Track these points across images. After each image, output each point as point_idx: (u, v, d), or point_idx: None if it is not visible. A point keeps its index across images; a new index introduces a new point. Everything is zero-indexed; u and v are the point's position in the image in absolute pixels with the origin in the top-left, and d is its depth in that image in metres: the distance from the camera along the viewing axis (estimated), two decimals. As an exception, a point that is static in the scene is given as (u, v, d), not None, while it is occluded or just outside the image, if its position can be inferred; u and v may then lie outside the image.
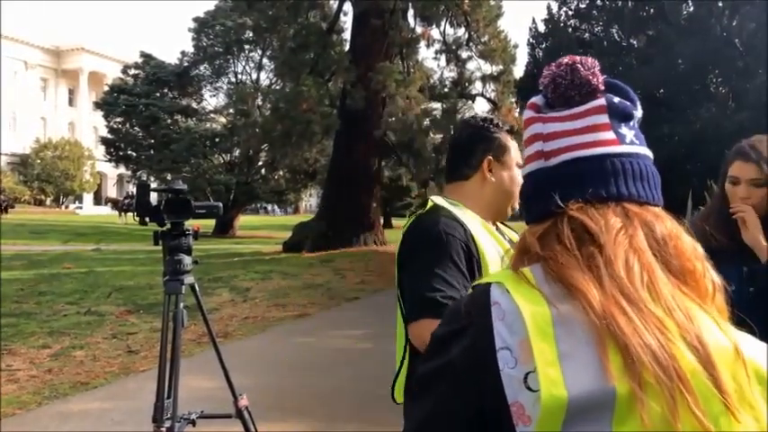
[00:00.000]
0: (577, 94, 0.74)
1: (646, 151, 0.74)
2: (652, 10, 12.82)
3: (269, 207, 55.58)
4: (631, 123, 0.74)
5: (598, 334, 0.59)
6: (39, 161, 43.06)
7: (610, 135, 0.72)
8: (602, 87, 0.74)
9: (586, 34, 14.08)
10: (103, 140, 31.63)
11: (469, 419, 0.64)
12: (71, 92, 54.03)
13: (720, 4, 11.95)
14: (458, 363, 0.66)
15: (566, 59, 0.75)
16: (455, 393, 0.66)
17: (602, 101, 0.73)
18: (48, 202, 44.52)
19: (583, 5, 14.32)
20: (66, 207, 45.61)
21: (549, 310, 0.62)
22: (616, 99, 0.74)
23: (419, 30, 19.80)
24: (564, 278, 0.64)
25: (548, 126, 0.74)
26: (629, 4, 13.35)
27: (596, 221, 0.68)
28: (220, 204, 2.90)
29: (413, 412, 0.72)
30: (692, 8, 12.50)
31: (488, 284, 0.69)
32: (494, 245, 1.51)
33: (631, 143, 0.73)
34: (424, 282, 1.40)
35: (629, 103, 0.74)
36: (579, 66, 0.74)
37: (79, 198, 48.63)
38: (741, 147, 1.86)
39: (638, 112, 0.75)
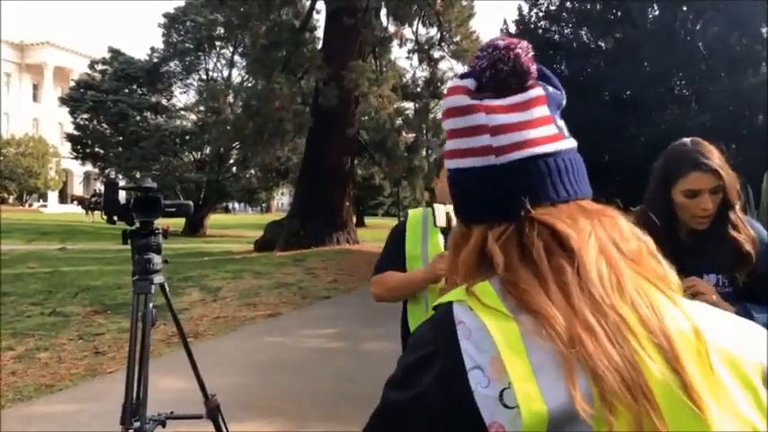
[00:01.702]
0: (516, 82, 0.70)
1: (573, 140, 0.73)
2: (619, 13, 13.07)
3: (234, 205, 54.81)
4: (559, 113, 0.72)
5: (566, 360, 0.58)
6: (1, 158, 41.81)
7: (553, 129, 0.70)
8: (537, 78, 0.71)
9: (556, 36, 14.27)
10: (69, 137, 30.93)
11: None
12: (35, 87, 52.58)
13: (685, 9, 12.26)
14: (430, 393, 0.62)
15: (501, 42, 0.70)
16: (430, 426, 0.62)
17: (541, 90, 0.70)
18: (11, 200, 43.28)
19: (553, 7, 14.52)
20: (30, 205, 44.41)
21: (516, 324, 0.61)
22: (549, 88, 0.71)
23: (392, 29, 19.85)
24: (526, 303, 0.62)
25: (493, 117, 0.68)
26: (597, 6, 13.59)
27: (568, 223, 0.66)
28: (191, 203, 2.87)
29: None
30: (657, 12, 12.78)
31: (449, 304, 0.66)
32: (420, 239, 2.17)
33: (568, 136, 0.71)
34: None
35: (559, 92, 0.72)
36: (520, 51, 0.69)
37: (43, 196, 47.41)
38: (694, 158, 1.78)
39: (564, 96, 0.73)
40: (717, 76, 11.41)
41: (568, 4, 14.17)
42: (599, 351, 0.58)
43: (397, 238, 2.22)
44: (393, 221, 32.70)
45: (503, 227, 0.68)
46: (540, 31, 14.38)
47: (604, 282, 0.62)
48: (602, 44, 13.75)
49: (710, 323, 0.63)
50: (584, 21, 13.79)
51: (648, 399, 0.56)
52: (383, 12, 18.98)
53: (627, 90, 12.47)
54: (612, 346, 0.58)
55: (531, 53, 0.71)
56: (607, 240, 0.66)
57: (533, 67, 0.70)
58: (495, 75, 0.69)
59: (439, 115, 25.03)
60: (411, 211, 2.28)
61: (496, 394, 0.58)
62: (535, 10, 14.69)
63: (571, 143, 0.71)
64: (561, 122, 0.72)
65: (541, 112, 0.70)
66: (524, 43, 0.71)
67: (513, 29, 14.81)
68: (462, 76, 0.73)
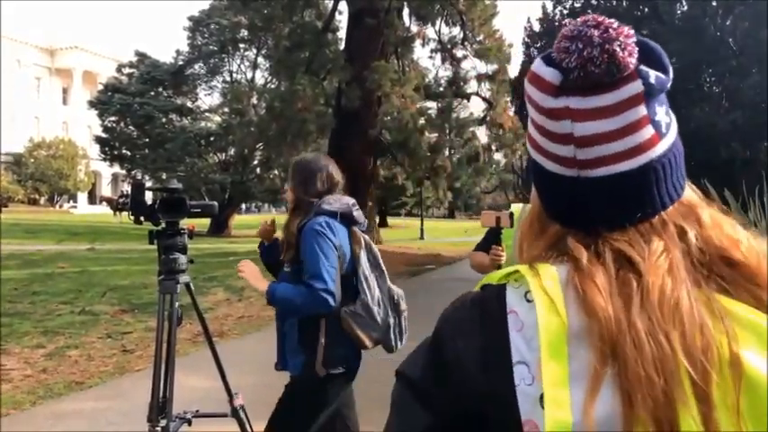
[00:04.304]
0: (610, 80, 0.62)
1: (675, 129, 0.66)
2: (646, 9, 12.86)
3: (242, 207, 55.29)
4: (662, 97, 0.65)
5: (595, 374, 0.56)
6: (32, 160, 42.84)
7: (649, 132, 0.63)
8: (637, 62, 0.62)
9: (581, 33, 14.12)
10: (98, 139, 31.55)
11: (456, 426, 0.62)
12: (65, 90, 53.76)
13: (714, 4, 12.00)
14: (470, 379, 0.61)
15: (596, 36, 0.62)
16: (454, 396, 0.62)
17: (638, 85, 0.61)
18: (42, 201, 44.31)
19: (578, 4, 14.35)
20: (61, 206, 45.40)
21: (567, 323, 0.58)
22: (652, 76, 0.62)
23: (414, 29, 19.82)
24: (586, 298, 0.59)
25: (580, 126, 0.62)
26: (624, 3, 13.39)
27: (639, 250, 0.62)
28: (215, 203, 2.90)
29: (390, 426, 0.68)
30: (686, 7, 12.54)
31: (503, 287, 0.64)
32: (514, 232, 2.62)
33: (667, 128, 0.65)
34: None
35: (664, 77, 0.63)
36: (617, 48, 0.61)
37: (73, 197, 48.43)
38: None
39: (671, 78, 0.64)
40: (748, 73, 11.15)
41: (594, 1, 13.98)
42: (641, 375, 0.55)
43: (491, 232, 2.80)
44: (416, 221, 32.76)
45: (580, 234, 0.65)
46: (565, 28, 14.25)
47: (663, 307, 0.58)
48: (629, 41, 13.55)
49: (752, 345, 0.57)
50: (610, 18, 13.61)
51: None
52: (405, 11, 18.97)
53: (654, 87, 12.26)
54: (657, 375, 0.55)
55: (633, 40, 0.62)
56: (680, 261, 0.61)
57: (633, 60, 0.61)
58: (586, 77, 0.61)
59: (462, 114, 24.90)
60: (513, 207, 2.87)
61: (538, 394, 0.57)
62: (559, 8, 14.55)
63: (666, 143, 0.64)
64: (661, 113, 0.64)
65: (636, 115, 0.62)
66: (624, 32, 0.62)
67: (537, 27, 14.68)
68: (547, 61, 0.65)
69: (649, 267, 0.60)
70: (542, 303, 0.60)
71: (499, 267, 2.75)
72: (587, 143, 0.63)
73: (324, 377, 2.29)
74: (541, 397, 0.56)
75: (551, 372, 0.57)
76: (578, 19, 0.65)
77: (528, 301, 0.61)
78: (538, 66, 0.65)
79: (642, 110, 0.62)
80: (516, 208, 2.90)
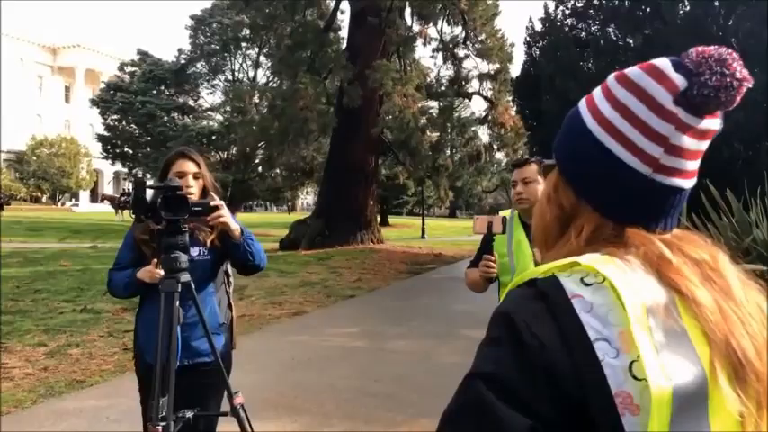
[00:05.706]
0: (714, 110, 0.68)
1: None
2: (648, 9, 12.84)
3: (251, 204, 55.36)
4: None
5: (714, 343, 0.62)
6: (35, 158, 42.93)
7: (697, 166, 0.71)
8: None
9: (583, 33, 14.07)
10: (100, 138, 31.61)
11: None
12: (67, 89, 53.83)
13: (716, 4, 11.99)
14: (555, 363, 0.60)
15: (740, 71, 0.67)
16: (550, 392, 0.60)
17: (719, 122, 0.69)
18: (44, 199, 44.40)
19: (579, 4, 14.31)
20: (63, 204, 45.48)
21: (644, 300, 0.62)
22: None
23: (416, 28, 19.82)
24: (682, 288, 0.64)
25: (678, 137, 0.67)
26: (626, 3, 13.37)
27: (700, 255, 0.69)
28: (217, 202, 2.89)
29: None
30: (688, 8, 12.53)
31: (553, 277, 0.65)
32: (506, 238, 2.57)
33: None
34: None
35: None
36: (743, 90, 0.68)
37: (75, 195, 48.51)
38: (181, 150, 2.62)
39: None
40: (750, 73, 11.13)
41: (595, 1, 13.96)
42: (745, 341, 0.63)
43: (483, 242, 2.48)
44: (417, 221, 32.82)
45: (633, 227, 0.70)
46: (567, 28, 14.20)
47: (744, 303, 0.66)
48: (631, 41, 13.51)
49: None
50: (612, 18, 13.57)
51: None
52: (407, 11, 18.97)
53: (656, 88, 12.24)
54: (748, 334, 0.63)
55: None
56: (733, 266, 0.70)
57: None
58: (709, 98, 0.66)
59: (463, 114, 24.88)
60: (501, 213, 2.58)
61: (626, 365, 0.59)
62: (561, 7, 14.50)
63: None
64: None
65: (703, 147, 0.70)
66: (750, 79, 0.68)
67: (538, 27, 14.68)
68: (676, 66, 0.67)
69: (719, 267, 0.68)
70: (625, 283, 0.63)
71: (491, 281, 2.49)
72: (675, 153, 0.67)
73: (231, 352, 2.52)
74: (630, 367, 0.59)
75: (644, 342, 0.60)
76: (722, 48, 0.69)
77: (586, 284, 0.64)
78: (664, 64, 0.68)
79: (705, 145, 0.70)
80: (507, 212, 2.60)
